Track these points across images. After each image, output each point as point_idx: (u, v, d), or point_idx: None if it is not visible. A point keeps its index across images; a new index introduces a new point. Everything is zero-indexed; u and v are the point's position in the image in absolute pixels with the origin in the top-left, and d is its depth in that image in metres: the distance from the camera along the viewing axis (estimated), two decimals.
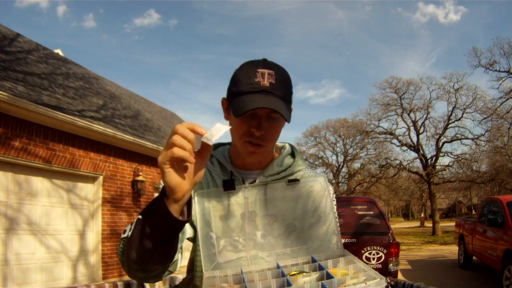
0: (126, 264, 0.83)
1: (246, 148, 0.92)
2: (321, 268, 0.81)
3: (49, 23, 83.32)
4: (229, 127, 0.71)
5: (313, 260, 0.86)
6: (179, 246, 0.91)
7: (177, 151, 0.68)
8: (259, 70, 0.89)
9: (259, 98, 0.86)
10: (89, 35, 78.99)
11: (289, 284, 0.74)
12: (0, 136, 5.07)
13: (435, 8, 54.40)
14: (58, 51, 10.85)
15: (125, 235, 0.83)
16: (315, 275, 0.79)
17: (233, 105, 0.89)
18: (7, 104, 4.96)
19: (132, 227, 0.79)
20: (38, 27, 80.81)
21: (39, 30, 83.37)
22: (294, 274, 0.80)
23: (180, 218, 0.74)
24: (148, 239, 0.75)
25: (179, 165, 0.72)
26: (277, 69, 0.91)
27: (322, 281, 0.73)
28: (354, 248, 5.54)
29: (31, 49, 8.17)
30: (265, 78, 0.88)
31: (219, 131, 0.71)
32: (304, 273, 0.81)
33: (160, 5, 75.20)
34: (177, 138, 0.69)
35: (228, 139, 1.11)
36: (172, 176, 0.71)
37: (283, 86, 0.90)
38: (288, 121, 0.89)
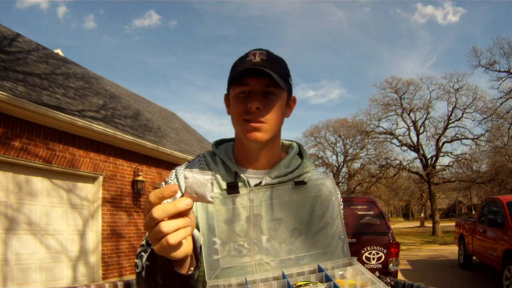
0: None
1: (246, 127, 0.90)
2: (328, 278, 0.78)
3: (50, 24, 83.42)
4: (211, 173, 0.62)
5: (320, 269, 0.83)
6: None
7: (173, 240, 0.60)
8: (251, 51, 0.92)
9: (248, 68, 0.87)
10: (89, 35, 79.16)
11: None
12: (0, 136, 5.06)
13: (434, 9, 54.53)
14: (58, 51, 10.84)
15: (138, 270, 0.83)
16: (322, 287, 0.77)
17: (229, 83, 0.92)
18: (7, 104, 4.95)
19: (144, 271, 0.79)
20: (38, 28, 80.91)
21: (39, 31, 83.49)
22: (300, 285, 0.77)
23: (192, 269, 0.75)
24: (162, 286, 0.76)
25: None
26: (270, 51, 0.93)
27: None
28: (354, 248, 5.53)
29: (31, 49, 8.17)
30: (256, 56, 0.90)
31: (204, 184, 0.61)
32: (311, 284, 0.78)
33: (160, 6, 75.40)
34: (165, 225, 0.60)
35: (229, 134, 1.09)
36: (177, 254, 0.64)
37: (276, 63, 0.91)
38: (285, 87, 0.89)
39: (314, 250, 0.90)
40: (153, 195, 0.61)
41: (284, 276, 0.82)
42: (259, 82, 0.89)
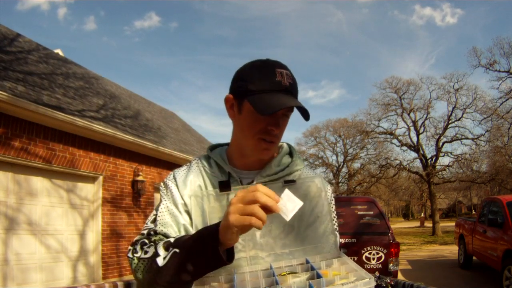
0: (147, 285, 0.86)
1: (260, 145, 0.93)
2: (313, 269, 0.82)
3: (50, 25, 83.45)
4: (302, 203, 0.74)
5: (307, 262, 0.87)
6: None
7: (255, 222, 0.70)
8: (278, 69, 0.91)
9: (284, 97, 0.89)
10: (90, 37, 79.19)
11: (277, 283, 0.76)
12: (0, 136, 5.07)
13: (432, 10, 54.47)
14: (58, 51, 10.84)
15: (145, 256, 0.85)
16: (305, 276, 0.80)
17: (254, 102, 0.89)
18: (7, 104, 4.95)
19: (167, 257, 0.81)
20: (39, 29, 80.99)
21: (40, 32, 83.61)
22: (284, 275, 0.81)
23: (227, 261, 0.78)
24: (187, 274, 0.79)
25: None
26: (289, 70, 0.96)
27: (310, 281, 0.74)
28: (354, 248, 5.53)
29: (31, 49, 8.17)
30: (284, 78, 0.91)
31: (293, 207, 0.73)
32: (294, 274, 0.81)
33: (160, 8, 75.45)
34: (258, 210, 0.71)
35: (226, 139, 1.12)
36: (237, 237, 0.75)
37: (297, 86, 0.96)
38: (308, 119, 0.94)
39: (306, 245, 0.94)
40: (263, 194, 0.72)
41: (271, 268, 0.86)
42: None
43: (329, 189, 1.03)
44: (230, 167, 1.01)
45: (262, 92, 0.89)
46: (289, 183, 0.96)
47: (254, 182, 0.99)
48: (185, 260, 0.78)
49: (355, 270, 0.79)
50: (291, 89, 0.91)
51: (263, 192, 0.72)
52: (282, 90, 0.90)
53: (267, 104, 0.87)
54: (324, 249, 0.93)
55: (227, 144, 1.09)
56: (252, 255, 0.93)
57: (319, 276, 0.77)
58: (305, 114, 0.90)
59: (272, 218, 0.93)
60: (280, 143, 1.11)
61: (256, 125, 0.92)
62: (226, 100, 0.99)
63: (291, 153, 1.08)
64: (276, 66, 0.92)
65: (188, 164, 1.07)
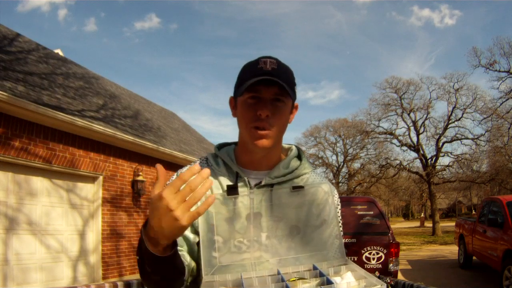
0: (147, 284, 0.88)
1: (253, 134, 0.92)
2: (321, 274, 0.81)
3: (51, 26, 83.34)
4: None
5: (315, 268, 0.86)
6: (188, 260, 0.95)
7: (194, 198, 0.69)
8: (262, 59, 0.93)
9: (261, 78, 0.89)
10: (90, 38, 79.22)
11: None
12: (0, 136, 5.06)
13: (431, 12, 54.43)
14: (58, 51, 10.84)
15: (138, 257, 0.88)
16: (315, 282, 0.79)
17: (236, 91, 0.92)
18: (7, 104, 4.95)
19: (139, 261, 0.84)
20: (40, 31, 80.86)
21: (40, 34, 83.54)
22: (294, 280, 0.80)
23: (166, 254, 0.77)
24: (153, 274, 0.81)
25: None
26: (279, 60, 0.95)
27: (322, 286, 0.73)
28: (354, 248, 5.54)
29: (31, 49, 8.17)
30: (267, 64, 0.92)
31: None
32: (304, 280, 0.80)
33: (160, 9, 75.52)
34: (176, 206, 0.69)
35: (232, 139, 1.11)
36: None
37: (285, 73, 0.94)
38: (293, 97, 0.93)
39: (312, 248, 0.93)
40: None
41: (279, 273, 0.85)
42: (269, 90, 0.91)
43: (336, 194, 1.03)
44: (237, 167, 1.01)
45: (244, 81, 0.91)
46: (297, 189, 0.95)
47: (262, 183, 0.98)
48: (143, 264, 0.81)
49: (364, 277, 0.78)
50: (274, 73, 0.90)
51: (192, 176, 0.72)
52: (263, 73, 0.90)
53: (242, 87, 0.90)
54: (329, 254, 0.92)
55: (234, 143, 1.08)
56: (257, 257, 0.91)
57: (329, 282, 0.76)
58: (286, 91, 0.90)
59: (279, 220, 0.94)
60: (288, 146, 1.11)
61: (247, 114, 0.93)
62: (229, 102, 1.03)
63: (299, 156, 1.08)
64: (261, 57, 0.94)
65: (195, 162, 1.07)
